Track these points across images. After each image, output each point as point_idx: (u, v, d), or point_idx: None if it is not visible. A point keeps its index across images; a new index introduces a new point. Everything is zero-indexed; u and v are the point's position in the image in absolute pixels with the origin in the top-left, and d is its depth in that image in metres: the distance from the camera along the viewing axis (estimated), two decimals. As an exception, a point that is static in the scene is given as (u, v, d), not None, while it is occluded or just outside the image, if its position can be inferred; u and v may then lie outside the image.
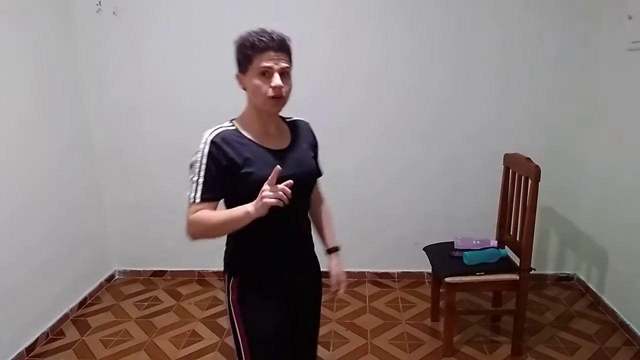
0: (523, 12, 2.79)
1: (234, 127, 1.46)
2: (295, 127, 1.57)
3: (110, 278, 3.33)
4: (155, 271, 3.36)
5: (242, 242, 1.47)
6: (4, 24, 2.36)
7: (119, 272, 3.39)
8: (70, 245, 2.88)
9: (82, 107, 3.02)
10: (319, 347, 2.47)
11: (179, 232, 3.49)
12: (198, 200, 1.36)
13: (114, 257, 3.35)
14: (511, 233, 2.47)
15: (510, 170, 2.50)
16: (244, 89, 1.47)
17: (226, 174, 1.37)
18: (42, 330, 2.61)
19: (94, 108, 3.06)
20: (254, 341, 1.45)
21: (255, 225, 1.29)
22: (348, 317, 2.79)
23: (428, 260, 2.52)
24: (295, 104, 2.93)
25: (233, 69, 3.14)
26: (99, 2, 2.90)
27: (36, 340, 2.55)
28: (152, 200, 3.21)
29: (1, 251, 2.33)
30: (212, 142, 1.41)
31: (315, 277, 1.62)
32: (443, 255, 2.45)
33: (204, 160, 1.39)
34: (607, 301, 2.77)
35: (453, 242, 2.52)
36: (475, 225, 2.94)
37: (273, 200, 1.21)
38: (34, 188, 2.56)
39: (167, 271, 3.36)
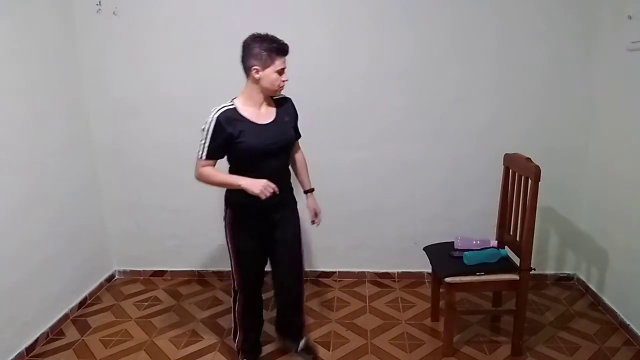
0: (523, 12, 2.79)
1: (234, 107, 1.99)
2: (280, 104, 2.11)
3: (110, 278, 3.33)
4: (155, 271, 3.36)
5: (236, 190, 1.98)
6: (4, 23, 2.36)
7: (119, 272, 3.39)
8: (70, 245, 2.88)
9: (82, 106, 3.02)
10: (320, 347, 2.49)
11: (179, 232, 3.54)
12: (204, 158, 1.98)
13: (114, 257, 3.36)
14: (511, 233, 2.47)
15: (510, 170, 2.50)
16: (253, 77, 1.97)
17: (225, 143, 1.95)
18: (42, 330, 2.61)
19: (94, 108, 3.07)
20: (238, 254, 2.14)
21: (247, 176, 1.94)
22: (348, 317, 2.79)
23: (428, 260, 2.52)
24: (296, 104, 2.94)
25: (232, 68, 3.15)
26: (99, 2, 2.90)
27: (36, 340, 2.55)
28: (152, 200, 3.21)
29: (1, 251, 2.33)
30: (217, 119, 1.94)
31: (292, 213, 2.19)
32: (443, 255, 2.45)
33: (210, 132, 1.95)
34: (607, 301, 2.77)
35: (453, 242, 2.52)
36: (475, 225, 2.95)
37: (259, 193, 1.87)
38: (33, 188, 2.56)
39: (167, 271, 3.36)
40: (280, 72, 1.97)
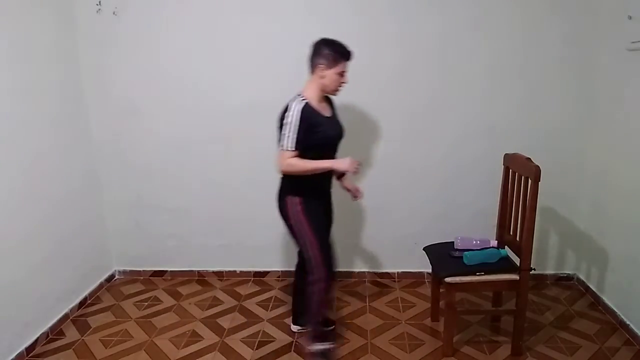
0: (522, 12, 2.79)
1: (307, 101, 2.15)
2: (331, 102, 2.36)
3: (110, 278, 3.33)
4: (155, 271, 3.36)
5: (308, 178, 2.22)
6: (4, 23, 2.36)
7: (119, 272, 3.39)
8: (71, 245, 2.88)
9: (82, 106, 3.02)
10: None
11: (179, 232, 3.53)
12: (292, 148, 2.11)
13: (114, 257, 3.36)
14: (511, 233, 2.47)
15: (510, 170, 2.50)
16: (318, 74, 2.19)
17: (307, 133, 2.11)
18: (42, 330, 2.61)
19: (94, 108, 3.07)
20: (317, 230, 2.28)
21: (313, 177, 2.21)
22: (348, 317, 2.79)
23: (428, 260, 2.52)
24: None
25: (233, 68, 3.16)
26: (99, 2, 2.90)
27: (36, 340, 2.55)
28: (153, 200, 3.21)
29: (1, 251, 2.33)
30: (302, 111, 2.11)
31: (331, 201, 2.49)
32: (443, 255, 2.45)
33: (296, 123, 2.10)
34: (607, 301, 2.77)
35: (453, 242, 2.52)
36: (475, 225, 2.95)
37: (349, 168, 2.15)
38: (33, 187, 2.56)
39: (167, 271, 3.36)
40: (342, 74, 2.19)
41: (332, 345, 2.44)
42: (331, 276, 2.31)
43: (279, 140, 2.14)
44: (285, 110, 2.15)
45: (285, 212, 2.28)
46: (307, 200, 2.26)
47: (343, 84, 2.22)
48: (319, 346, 2.38)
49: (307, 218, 2.25)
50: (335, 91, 2.24)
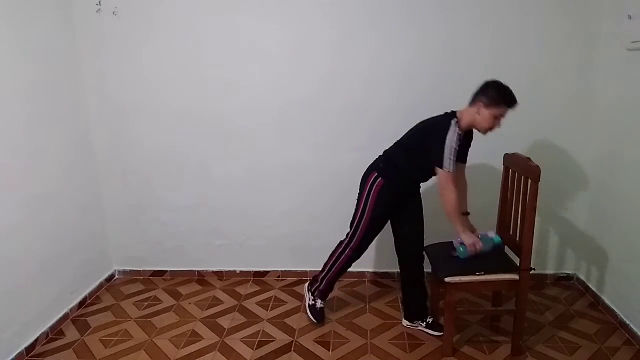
0: (522, 11, 2.79)
1: (458, 129, 2.24)
2: (471, 135, 2.44)
3: (110, 278, 3.33)
4: (155, 271, 3.36)
5: (403, 175, 2.45)
6: (4, 23, 2.36)
7: (119, 272, 3.39)
8: (71, 245, 2.88)
9: (82, 107, 3.02)
10: (319, 347, 2.50)
11: (179, 232, 3.53)
12: (452, 170, 2.23)
13: (114, 257, 3.36)
14: (511, 233, 2.46)
15: (510, 170, 2.50)
16: (476, 109, 2.26)
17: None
18: (42, 330, 2.61)
19: (94, 108, 3.07)
20: (376, 217, 2.49)
21: (414, 172, 2.44)
22: (348, 317, 2.79)
23: (428, 260, 2.52)
24: (294, 105, 2.94)
25: (233, 68, 3.15)
26: (99, 2, 2.90)
27: (36, 340, 2.55)
28: (152, 200, 3.21)
29: (1, 251, 2.33)
30: (458, 134, 2.22)
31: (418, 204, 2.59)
32: (443, 255, 2.45)
33: (455, 145, 2.20)
34: (607, 301, 2.77)
35: (453, 242, 2.52)
36: (475, 225, 2.93)
37: (470, 247, 2.29)
38: (33, 188, 2.56)
39: (167, 271, 3.36)
40: (498, 117, 2.23)
41: (322, 305, 2.75)
42: (356, 257, 2.63)
43: (438, 156, 2.21)
44: (436, 124, 2.30)
45: (365, 184, 2.49)
46: (388, 189, 2.44)
47: (494, 128, 2.27)
48: (319, 303, 2.72)
49: (375, 202, 2.46)
50: (484, 130, 2.28)
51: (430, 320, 2.62)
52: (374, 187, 2.46)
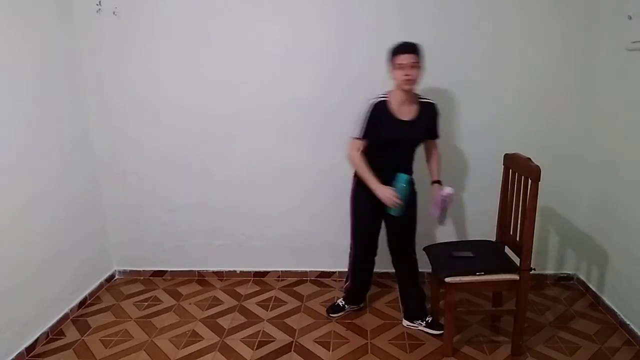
0: (522, 11, 2.79)
1: (383, 99, 2.38)
2: (423, 107, 2.43)
3: (110, 278, 3.33)
4: (155, 271, 3.36)
5: (370, 166, 2.44)
6: (4, 23, 2.36)
7: (119, 272, 3.39)
8: (71, 245, 2.88)
9: (82, 107, 3.02)
10: (319, 347, 2.50)
11: (179, 232, 3.52)
12: (361, 136, 2.39)
13: (114, 257, 3.36)
14: (511, 233, 2.47)
15: (510, 170, 2.50)
16: (391, 78, 2.35)
17: (371, 127, 2.37)
18: (42, 330, 2.61)
19: (94, 108, 3.07)
20: (357, 215, 2.58)
21: (371, 158, 2.42)
22: (348, 317, 2.79)
23: (428, 260, 2.53)
24: (294, 104, 2.94)
25: (233, 68, 3.16)
26: (99, 2, 2.90)
27: (36, 340, 2.55)
28: (152, 200, 3.21)
29: (1, 251, 2.33)
30: (370, 113, 2.37)
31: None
32: (443, 255, 2.45)
33: (365, 117, 2.37)
34: (607, 301, 2.77)
35: (453, 242, 2.52)
36: (475, 225, 2.95)
37: (384, 200, 2.34)
38: (34, 188, 2.56)
39: (167, 271, 3.36)
40: (401, 67, 2.26)
41: (349, 307, 2.83)
42: (359, 254, 2.68)
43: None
44: None
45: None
46: (360, 186, 2.49)
47: (406, 77, 2.27)
48: (341, 300, 2.82)
49: (353, 201, 2.58)
50: (401, 83, 2.30)
51: (429, 319, 2.62)
52: (352, 187, 2.58)
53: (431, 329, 2.60)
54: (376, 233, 2.61)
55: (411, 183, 2.45)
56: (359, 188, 2.51)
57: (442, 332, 2.50)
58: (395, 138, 2.39)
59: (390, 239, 2.62)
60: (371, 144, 2.42)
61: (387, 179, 2.40)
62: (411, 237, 2.60)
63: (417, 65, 2.29)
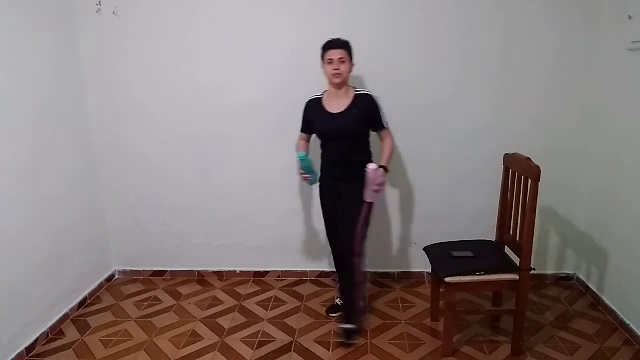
0: (523, 11, 2.79)
1: (314, 97, 2.56)
2: (358, 98, 2.47)
3: (110, 278, 3.33)
4: (155, 271, 3.37)
5: (321, 162, 2.61)
6: (4, 23, 2.36)
7: (119, 272, 3.39)
8: (71, 245, 2.88)
9: (82, 107, 3.02)
10: (319, 347, 2.50)
11: (179, 232, 3.52)
12: (300, 130, 2.63)
13: (114, 257, 3.36)
14: (511, 233, 2.47)
15: (510, 170, 2.50)
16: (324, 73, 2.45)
17: (308, 123, 2.58)
18: (42, 330, 2.61)
19: (94, 108, 3.07)
20: (323, 212, 2.68)
21: (322, 154, 2.58)
22: (348, 317, 2.79)
23: (428, 260, 2.52)
24: (294, 104, 2.94)
25: (233, 68, 3.17)
26: (99, 2, 2.90)
27: (36, 340, 2.55)
28: (152, 200, 3.21)
29: (1, 251, 2.33)
30: (304, 110, 2.58)
31: (354, 188, 2.44)
32: (443, 255, 2.45)
33: (303, 114, 2.58)
34: (607, 301, 2.77)
35: (453, 242, 2.52)
36: (475, 225, 2.95)
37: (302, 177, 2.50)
38: (33, 187, 2.56)
39: (167, 271, 3.36)
40: (330, 62, 2.38)
41: (340, 302, 2.82)
42: (334, 253, 2.75)
43: None
44: None
45: None
46: (321, 183, 2.62)
47: (335, 71, 2.38)
48: (339, 300, 2.86)
49: (320, 198, 2.67)
50: (330, 77, 2.41)
51: (350, 327, 2.53)
52: None
53: (344, 336, 2.52)
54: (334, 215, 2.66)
55: (307, 160, 2.46)
56: (321, 186, 2.63)
57: (347, 342, 2.49)
58: (328, 131, 2.48)
59: (338, 233, 2.63)
60: (320, 141, 2.57)
61: (340, 174, 2.51)
62: (347, 230, 2.46)
63: (345, 60, 2.38)
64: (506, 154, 2.56)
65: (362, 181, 2.39)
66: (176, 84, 3.00)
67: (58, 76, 2.80)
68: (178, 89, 3.01)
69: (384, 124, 2.52)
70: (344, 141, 2.47)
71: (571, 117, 2.91)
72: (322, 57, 2.43)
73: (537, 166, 2.20)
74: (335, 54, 2.37)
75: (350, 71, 2.44)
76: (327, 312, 2.81)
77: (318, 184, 2.62)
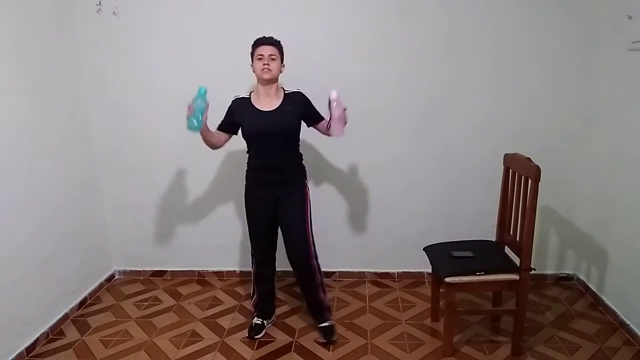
0: (523, 11, 2.79)
1: (241, 96, 2.44)
2: (288, 97, 2.42)
3: (110, 278, 3.33)
4: (155, 271, 3.36)
5: (248, 165, 2.49)
6: (4, 23, 2.36)
7: (119, 272, 3.39)
8: (70, 245, 2.88)
9: (81, 107, 3.02)
10: (319, 347, 2.50)
11: (179, 232, 3.53)
12: (217, 128, 2.44)
13: (114, 257, 3.36)
14: (511, 233, 2.47)
15: (510, 170, 2.50)
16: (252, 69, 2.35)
17: (231, 122, 2.42)
18: (42, 330, 2.61)
19: (94, 108, 3.07)
20: (248, 220, 2.53)
21: (252, 158, 2.45)
22: (348, 317, 2.79)
23: (428, 260, 2.52)
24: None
25: (233, 68, 3.19)
26: (99, 2, 2.90)
27: (36, 340, 2.55)
28: (152, 200, 3.21)
29: (1, 251, 2.33)
30: (229, 106, 2.44)
31: (294, 191, 2.46)
32: (443, 255, 2.45)
33: (227, 110, 2.44)
34: (607, 301, 2.77)
35: (453, 242, 2.52)
36: (475, 225, 2.95)
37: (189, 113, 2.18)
38: (33, 188, 2.56)
39: (167, 271, 3.36)
40: (259, 58, 2.28)
41: (259, 321, 2.66)
42: (256, 263, 2.60)
43: None
44: None
45: None
46: (247, 189, 2.51)
47: (265, 66, 2.28)
48: (256, 319, 2.66)
49: (245, 206, 2.53)
50: (259, 73, 2.30)
51: (326, 324, 2.59)
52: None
53: (322, 335, 2.56)
54: (270, 237, 2.55)
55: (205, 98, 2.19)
56: (249, 192, 2.50)
57: (325, 341, 2.51)
58: (259, 129, 2.34)
59: (285, 242, 2.51)
60: (248, 144, 2.43)
61: (276, 178, 2.40)
62: (301, 237, 2.47)
63: (276, 58, 2.31)
64: (506, 154, 2.56)
65: (299, 184, 2.47)
66: (176, 83, 2.99)
67: (57, 76, 2.80)
68: (177, 89, 3.00)
69: (321, 115, 2.44)
70: (278, 141, 2.36)
71: (571, 116, 2.91)
72: (252, 53, 2.33)
73: (537, 166, 2.20)
74: (266, 50, 2.28)
75: (280, 71, 2.36)
76: (251, 335, 2.60)
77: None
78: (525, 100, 2.92)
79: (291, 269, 3.30)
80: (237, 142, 3.07)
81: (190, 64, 2.97)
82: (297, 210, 2.46)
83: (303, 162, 2.53)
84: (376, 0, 2.82)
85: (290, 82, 2.97)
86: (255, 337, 2.59)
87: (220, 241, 3.28)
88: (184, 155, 3.13)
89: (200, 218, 3.22)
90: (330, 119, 2.26)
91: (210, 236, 3.26)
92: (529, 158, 2.31)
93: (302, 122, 2.45)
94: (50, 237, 2.70)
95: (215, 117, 3.05)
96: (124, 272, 3.38)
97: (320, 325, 2.60)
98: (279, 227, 2.54)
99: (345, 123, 2.28)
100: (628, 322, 2.55)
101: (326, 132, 2.37)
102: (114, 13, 2.91)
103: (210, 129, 2.35)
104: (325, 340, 2.54)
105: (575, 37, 2.80)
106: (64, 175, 2.84)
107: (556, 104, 2.90)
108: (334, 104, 2.22)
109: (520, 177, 2.40)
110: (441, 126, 2.99)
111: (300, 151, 2.51)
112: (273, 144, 2.36)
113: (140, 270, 3.37)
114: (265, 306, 2.69)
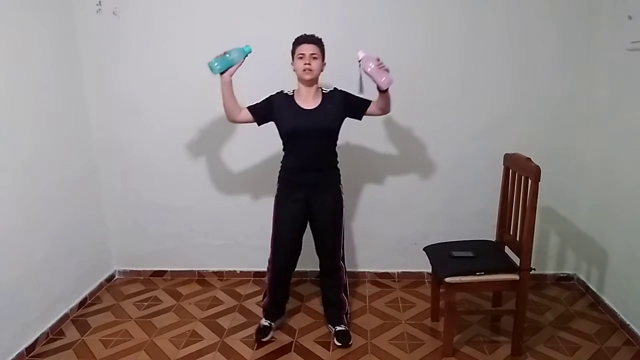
0: (522, 12, 2.79)
1: (285, 91, 2.39)
2: (327, 96, 2.38)
3: (110, 278, 3.33)
4: (155, 271, 3.36)
5: (282, 166, 2.45)
6: (4, 23, 2.36)
7: (119, 272, 3.39)
8: (70, 245, 2.88)
9: (81, 106, 3.02)
10: (319, 347, 2.49)
11: (179, 232, 3.52)
12: (251, 105, 2.38)
13: (114, 257, 3.36)
14: (511, 233, 2.47)
15: (510, 170, 2.50)
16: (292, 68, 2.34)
17: (265, 110, 2.37)
18: (42, 330, 2.60)
19: (94, 108, 3.07)
20: (276, 224, 2.46)
21: (289, 158, 2.40)
22: (348, 317, 2.79)
23: (428, 260, 2.52)
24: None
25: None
26: (99, 2, 2.90)
27: (36, 340, 2.55)
28: (152, 199, 3.21)
29: (1, 251, 2.33)
30: (271, 96, 2.39)
31: (328, 194, 2.42)
32: (443, 255, 2.45)
33: (265, 98, 2.39)
34: (607, 301, 2.77)
35: (453, 242, 2.52)
36: (475, 225, 2.95)
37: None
38: (33, 188, 2.56)
39: (167, 271, 3.36)
40: (300, 57, 2.26)
41: (267, 323, 2.61)
42: (273, 269, 2.53)
43: None
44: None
45: None
46: (283, 193, 2.44)
47: (306, 66, 2.25)
48: (264, 320, 2.62)
49: (275, 209, 2.46)
50: (300, 72, 2.28)
51: (339, 328, 2.55)
52: (276, 192, 2.50)
53: (337, 339, 2.52)
54: (296, 244, 2.50)
55: (245, 54, 2.29)
56: (281, 195, 2.44)
57: (341, 344, 2.47)
58: (300, 127, 2.29)
59: (317, 245, 2.52)
60: (285, 143, 2.38)
61: (312, 181, 2.35)
62: (335, 244, 2.49)
63: (317, 57, 2.27)
64: (506, 154, 2.56)
65: (335, 188, 2.44)
66: (176, 83, 3.00)
67: (58, 76, 2.80)
68: (178, 89, 3.01)
69: (365, 99, 2.39)
70: (318, 140, 2.33)
71: (571, 117, 2.91)
72: (293, 52, 2.30)
73: (537, 166, 2.20)
74: (308, 49, 2.24)
75: (321, 70, 2.32)
76: (258, 338, 2.55)
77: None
78: (525, 101, 2.92)
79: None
80: (237, 142, 3.09)
81: (190, 63, 2.96)
82: (332, 217, 2.43)
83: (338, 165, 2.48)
84: (380, 2, 2.81)
85: (289, 82, 2.97)
86: (262, 339, 2.54)
87: (220, 241, 3.28)
88: (184, 154, 3.13)
89: (201, 218, 3.22)
90: (373, 79, 2.18)
91: (210, 236, 3.26)
92: (529, 158, 2.32)
93: (352, 117, 2.39)
94: (50, 236, 2.70)
95: (214, 116, 3.09)
96: (124, 272, 3.38)
97: (336, 329, 2.55)
98: (311, 231, 2.49)
99: (388, 70, 2.19)
100: (628, 322, 2.55)
101: (381, 107, 2.35)
102: (114, 13, 2.91)
103: (240, 105, 2.34)
104: (340, 344, 2.49)
105: (575, 37, 2.80)
106: (64, 175, 2.84)
107: (556, 104, 2.90)
108: (367, 61, 2.16)
109: (520, 177, 2.40)
110: (441, 126, 2.99)
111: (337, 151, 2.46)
112: (311, 143, 2.31)
113: (140, 270, 3.37)
114: (275, 311, 2.66)
